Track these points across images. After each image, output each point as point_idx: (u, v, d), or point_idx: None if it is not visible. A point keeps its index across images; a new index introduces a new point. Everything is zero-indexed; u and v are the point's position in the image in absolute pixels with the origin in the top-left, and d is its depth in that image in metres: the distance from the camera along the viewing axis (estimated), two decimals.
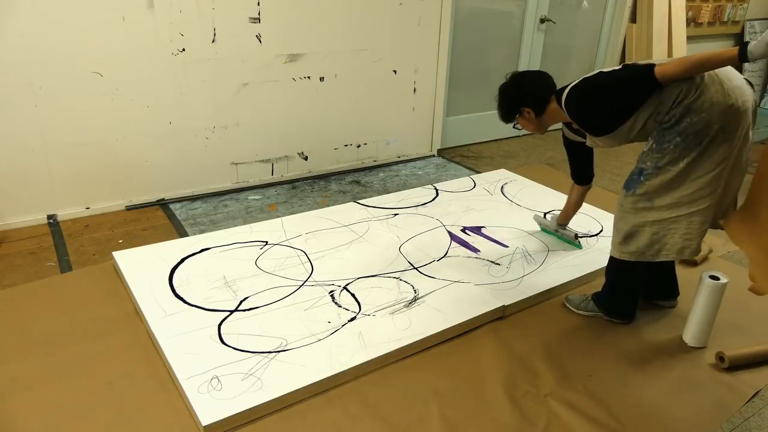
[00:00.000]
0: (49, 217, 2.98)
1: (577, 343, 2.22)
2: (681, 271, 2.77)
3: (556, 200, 3.42)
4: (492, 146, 4.58)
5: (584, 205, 3.36)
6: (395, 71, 3.84)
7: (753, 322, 2.40)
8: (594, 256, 2.77)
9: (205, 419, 1.72)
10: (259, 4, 3.17)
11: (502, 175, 3.81)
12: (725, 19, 5.68)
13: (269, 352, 2.01)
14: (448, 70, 4.13)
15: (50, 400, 1.82)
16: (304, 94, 3.53)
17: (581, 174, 2.58)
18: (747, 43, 1.67)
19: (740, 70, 1.69)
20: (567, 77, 5.81)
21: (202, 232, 2.91)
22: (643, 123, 1.97)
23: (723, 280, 2.15)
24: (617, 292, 2.29)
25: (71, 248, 2.74)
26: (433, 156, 4.26)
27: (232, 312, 2.23)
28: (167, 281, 2.40)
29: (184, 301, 2.27)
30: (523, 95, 2.26)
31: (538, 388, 1.97)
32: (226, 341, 2.06)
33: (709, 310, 2.17)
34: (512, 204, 3.34)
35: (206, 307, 2.25)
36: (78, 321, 2.19)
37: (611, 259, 2.22)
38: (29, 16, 2.63)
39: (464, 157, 4.30)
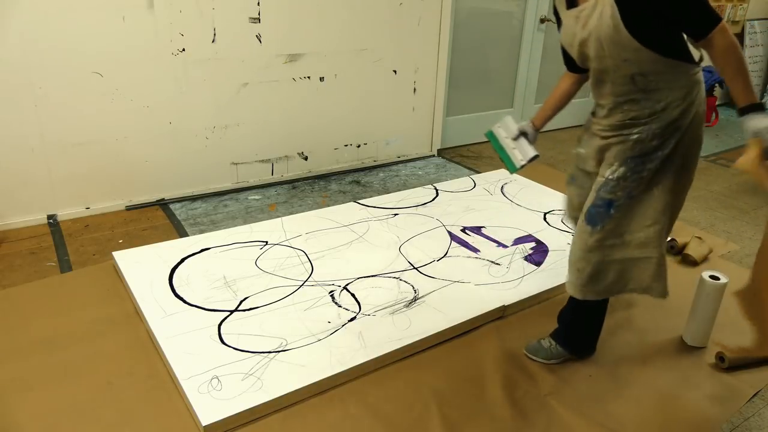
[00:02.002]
0: (49, 217, 2.98)
1: None
2: (681, 271, 2.77)
3: (557, 200, 3.42)
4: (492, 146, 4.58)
5: None
6: (395, 71, 3.84)
7: None
8: None
9: (205, 419, 1.72)
10: (259, 4, 3.17)
11: (502, 175, 3.80)
12: (725, 19, 5.68)
13: (269, 352, 2.01)
14: (448, 70, 4.13)
15: (50, 400, 1.82)
16: (304, 94, 3.52)
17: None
18: (763, 108, 1.57)
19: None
20: None
21: (202, 232, 2.91)
22: (639, 72, 1.64)
23: (723, 280, 2.15)
24: (578, 330, 2.09)
25: (71, 248, 2.74)
26: (433, 156, 4.26)
27: (232, 312, 2.23)
28: (167, 281, 2.40)
29: (184, 301, 2.27)
30: None
31: (538, 388, 1.97)
32: (226, 341, 2.06)
33: (709, 310, 2.18)
34: (512, 204, 3.34)
35: (206, 307, 2.25)
36: (78, 321, 2.19)
37: (570, 298, 1.99)
38: (29, 16, 2.63)
39: (464, 157, 4.30)
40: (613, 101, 1.74)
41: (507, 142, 2.12)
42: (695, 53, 1.69)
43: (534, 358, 2.12)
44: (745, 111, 1.57)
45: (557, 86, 2.08)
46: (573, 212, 2.04)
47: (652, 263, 1.80)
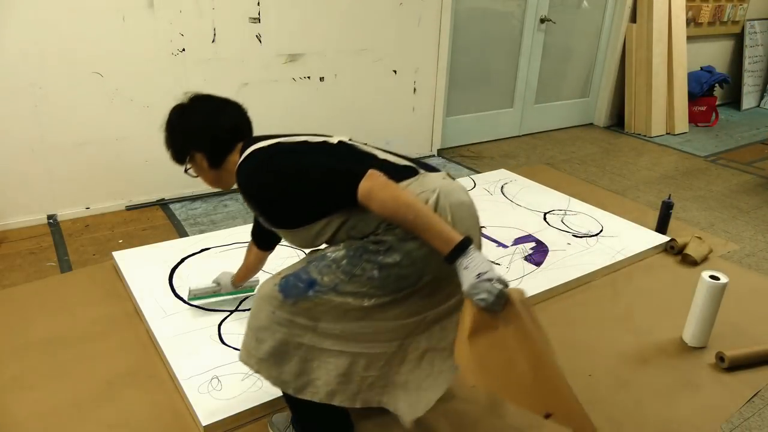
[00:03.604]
0: (49, 217, 2.98)
1: (576, 343, 2.22)
2: (681, 271, 2.77)
3: (557, 200, 3.42)
4: (492, 146, 4.58)
5: (584, 204, 3.38)
6: (395, 71, 3.84)
7: (753, 322, 2.40)
8: (594, 256, 2.77)
9: (205, 419, 1.72)
10: (259, 4, 3.17)
11: (502, 175, 3.81)
12: (725, 19, 5.68)
13: None
14: (448, 70, 4.13)
15: (50, 399, 1.82)
16: (304, 94, 3.52)
17: (264, 237, 1.87)
18: (469, 244, 1.27)
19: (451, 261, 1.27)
20: (567, 77, 5.80)
21: (202, 232, 2.91)
22: (334, 231, 1.43)
23: (723, 280, 2.15)
24: (310, 417, 1.64)
25: (71, 248, 2.74)
26: (433, 156, 4.26)
27: (232, 312, 2.23)
28: (167, 281, 2.40)
29: (184, 301, 2.27)
30: (193, 133, 1.58)
31: None
32: (226, 341, 2.06)
33: (709, 310, 2.17)
34: (512, 204, 3.34)
35: (206, 307, 2.25)
36: (78, 321, 2.19)
37: None
38: (29, 16, 2.63)
39: (464, 157, 4.30)
40: None
41: (213, 289, 2.23)
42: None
43: (270, 429, 1.76)
44: (452, 259, 1.27)
45: (246, 258, 2.06)
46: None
47: (343, 359, 1.44)
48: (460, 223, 1.37)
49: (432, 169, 1.51)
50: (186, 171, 1.64)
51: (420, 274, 1.39)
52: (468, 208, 1.46)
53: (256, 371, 1.50)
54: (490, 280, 1.24)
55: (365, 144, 1.54)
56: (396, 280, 1.39)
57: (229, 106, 1.63)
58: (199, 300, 2.22)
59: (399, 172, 1.41)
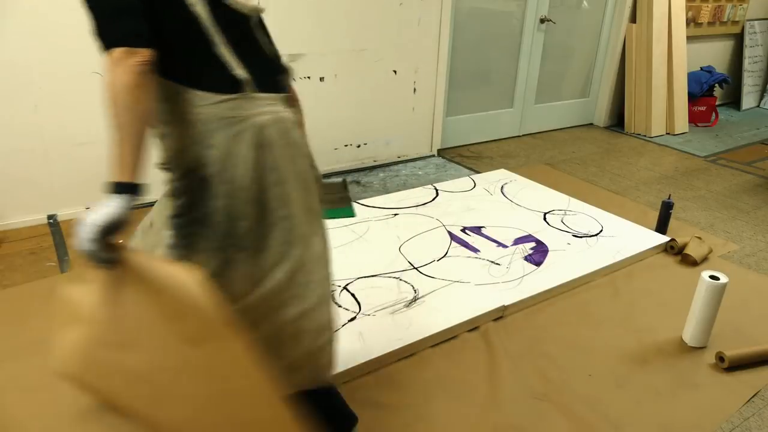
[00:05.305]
0: (49, 217, 2.98)
1: (576, 343, 2.22)
2: (681, 271, 2.77)
3: (557, 200, 3.42)
4: (492, 146, 4.58)
5: (584, 204, 3.38)
6: (395, 71, 3.84)
7: (753, 322, 2.40)
8: (594, 256, 2.77)
9: None
10: (258, 3, 3.17)
11: (501, 175, 3.81)
12: (725, 19, 5.69)
13: None
14: (448, 70, 4.13)
15: (50, 400, 1.81)
16: (304, 94, 3.50)
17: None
18: (125, 191, 1.14)
19: None
20: (567, 77, 5.78)
21: None
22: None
23: (723, 280, 2.16)
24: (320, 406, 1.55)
25: (71, 248, 2.74)
26: (433, 156, 4.26)
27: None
28: None
29: None
30: None
31: (538, 388, 1.97)
32: None
33: (709, 310, 2.18)
34: (512, 204, 3.34)
35: None
36: None
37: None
38: (29, 16, 2.63)
39: (464, 157, 4.30)
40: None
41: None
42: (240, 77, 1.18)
43: None
44: (107, 189, 1.09)
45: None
46: None
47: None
48: (256, 183, 1.13)
49: (277, 88, 1.27)
50: None
51: (233, 215, 1.17)
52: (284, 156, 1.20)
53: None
54: (86, 226, 1.03)
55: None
56: (227, 215, 1.17)
57: None
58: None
59: (216, 80, 1.14)
